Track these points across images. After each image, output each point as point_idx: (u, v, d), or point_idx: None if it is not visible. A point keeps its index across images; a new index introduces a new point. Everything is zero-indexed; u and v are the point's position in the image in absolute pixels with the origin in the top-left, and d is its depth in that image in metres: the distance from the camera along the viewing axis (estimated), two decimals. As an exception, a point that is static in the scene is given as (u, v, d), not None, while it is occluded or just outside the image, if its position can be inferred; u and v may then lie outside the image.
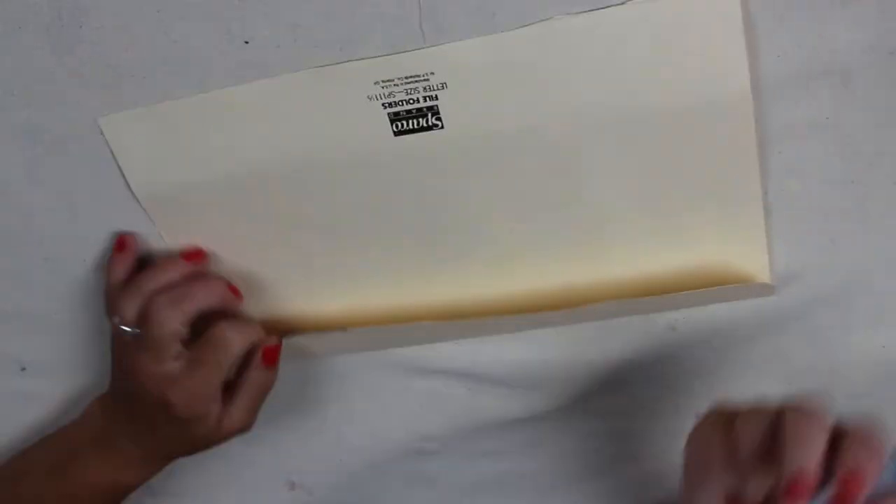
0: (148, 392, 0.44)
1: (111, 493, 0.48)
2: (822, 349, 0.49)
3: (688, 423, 0.54)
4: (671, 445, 0.55)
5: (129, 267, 0.46)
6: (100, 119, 0.41)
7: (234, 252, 0.47)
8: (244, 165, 0.43)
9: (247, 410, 0.46)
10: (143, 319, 0.43)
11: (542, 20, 0.37)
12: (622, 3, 0.37)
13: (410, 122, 0.41)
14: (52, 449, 0.48)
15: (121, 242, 0.46)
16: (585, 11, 0.37)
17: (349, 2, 0.38)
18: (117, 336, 0.45)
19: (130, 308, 0.44)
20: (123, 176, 0.44)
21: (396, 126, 0.41)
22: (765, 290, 0.46)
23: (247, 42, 0.39)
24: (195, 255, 0.46)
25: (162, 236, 0.46)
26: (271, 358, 0.46)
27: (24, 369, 0.53)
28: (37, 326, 0.51)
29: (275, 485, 0.59)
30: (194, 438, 0.46)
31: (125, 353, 0.45)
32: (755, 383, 0.51)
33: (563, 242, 0.46)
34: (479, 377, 0.53)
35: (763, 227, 0.44)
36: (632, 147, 0.41)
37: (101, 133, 0.42)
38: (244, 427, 0.47)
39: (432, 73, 0.39)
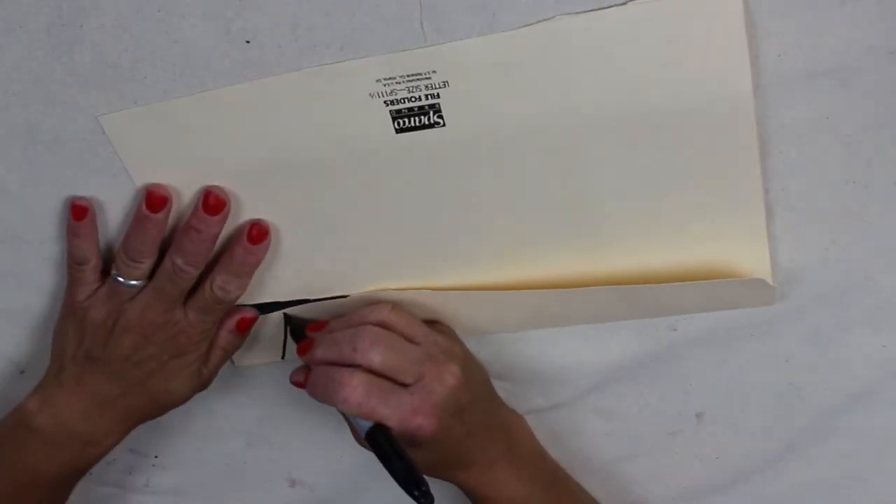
0: (151, 341, 0.46)
1: (68, 477, 0.48)
2: (822, 349, 0.49)
3: (688, 423, 0.54)
4: (671, 445, 0.55)
5: (95, 231, 0.46)
6: (101, 118, 0.41)
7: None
8: (246, 164, 0.43)
9: (212, 370, 0.49)
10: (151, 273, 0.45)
11: (544, 20, 0.37)
12: (623, 3, 0.37)
13: (412, 119, 0.41)
14: None
15: (79, 210, 0.45)
16: (587, 11, 0.37)
17: (350, 1, 0.38)
18: (112, 295, 0.45)
19: (141, 267, 0.44)
20: (127, 173, 0.44)
21: (398, 124, 0.41)
22: (765, 295, 0.46)
23: (248, 41, 0.39)
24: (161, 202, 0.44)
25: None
26: (245, 327, 0.49)
27: (23, 372, 0.53)
28: (37, 327, 0.51)
29: (276, 482, 0.59)
30: (174, 392, 0.48)
31: (123, 310, 0.45)
32: (755, 383, 0.51)
33: (564, 241, 0.46)
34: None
35: (764, 227, 0.44)
36: (633, 146, 0.41)
37: (103, 132, 0.42)
38: (208, 383, 0.50)
39: (434, 72, 0.39)
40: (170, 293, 0.45)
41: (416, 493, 0.41)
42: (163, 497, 0.59)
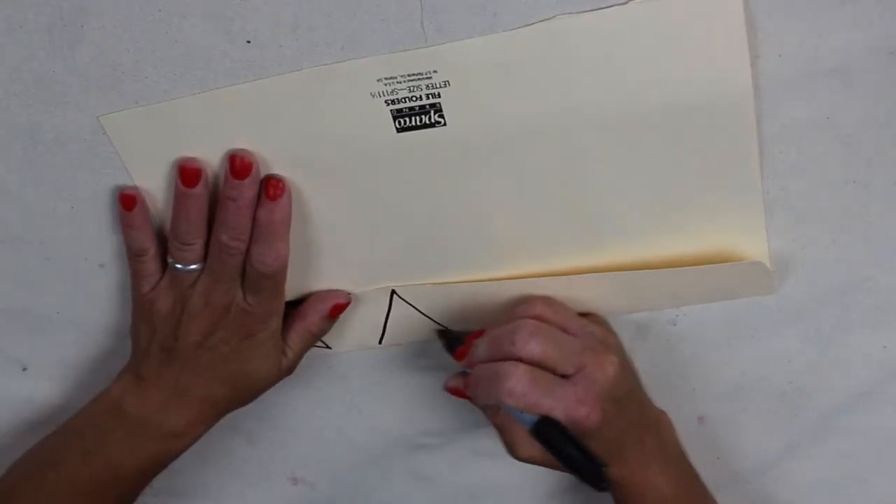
0: (220, 325, 0.45)
1: (148, 471, 0.48)
2: (822, 349, 0.49)
3: (689, 423, 0.54)
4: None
5: (148, 219, 0.45)
6: (101, 117, 0.41)
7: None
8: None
9: (298, 353, 0.48)
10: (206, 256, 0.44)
11: (544, 20, 0.37)
12: (624, 3, 0.37)
13: (413, 119, 0.41)
14: (80, 435, 0.47)
15: (129, 200, 0.44)
16: (587, 11, 0.37)
17: (350, 1, 0.38)
18: (174, 283, 0.45)
19: (194, 248, 0.44)
20: (127, 173, 0.44)
21: (399, 123, 0.41)
22: (765, 282, 0.46)
23: (248, 42, 0.39)
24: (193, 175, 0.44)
25: (163, 233, 0.46)
26: (336, 313, 0.48)
27: (25, 369, 0.53)
28: (37, 326, 0.51)
29: (277, 479, 0.59)
30: (253, 375, 0.47)
31: (187, 298, 0.45)
32: (756, 383, 0.51)
33: (565, 240, 0.46)
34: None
35: (764, 227, 0.44)
36: (633, 146, 0.42)
37: (103, 132, 0.42)
38: (293, 366, 0.49)
39: (435, 72, 0.39)
40: (224, 273, 0.44)
41: (601, 482, 0.40)
42: (164, 497, 0.59)
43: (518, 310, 0.45)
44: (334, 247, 0.47)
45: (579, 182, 0.43)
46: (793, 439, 0.53)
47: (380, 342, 0.52)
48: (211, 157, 0.43)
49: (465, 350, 0.46)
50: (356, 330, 0.51)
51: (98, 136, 0.42)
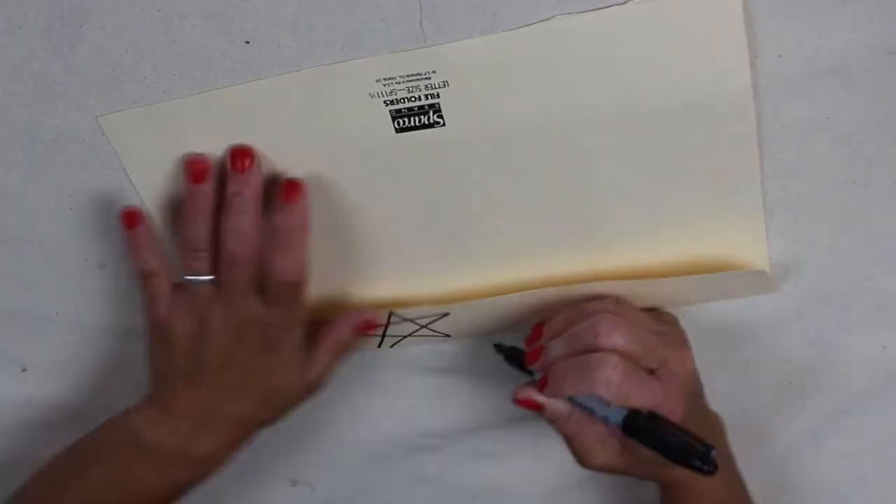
0: (241, 342, 0.43)
1: (174, 497, 0.46)
2: (822, 349, 0.49)
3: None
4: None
5: (154, 237, 0.44)
6: (101, 118, 0.41)
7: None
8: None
9: (326, 366, 0.47)
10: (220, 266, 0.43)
11: (544, 20, 0.37)
12: (623, 3, 0.37)
13: (412, 119, 0.41)
14: (100, 462, 0.45)
15: (131, 218, 0.43)
16: (587, 11, 0.37)
17: (350, 2, 0.38)
18: (190, 301, 0.43)
19: (205, 256, 0.43)
20: (126, 173, 0.44)
21: (398, 123, 0.41)
22: (765, 282, 0.46)
23: (247, 42, 0.39)
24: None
25: (163, 233, 0.46)
26: (366, 329, 0.48)
27: (24, 370, 0.53)
28: (37, 326, 0.51)
29: (277, 481, 0.59)
30: (280, 389, 0.45)
31: (206, 318, 0.43)
32: (755, 383, 0.51)
33: (564, 240, 0.46)
34: (481, 373, 0.53)
35: (763, 227, 0.44)
36: (633, 146, 0.42)
37: (103, 132, 0.42)
38: (321, 382, 0.47)
39: (434, 72, 0.39)
40: (237, 285, 0.42)
41: (710, 465, 0.39)
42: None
43: (589, 307, 0.44)
44: (332, 247, 0.47)
45: (579, 182, 0.43)
46: (793, 439, 0.53)
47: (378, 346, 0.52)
48: (210, 157, 0.43)
49: (535, 352, 0.45)
50: None
51: (97, 136, 0.42)
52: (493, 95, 0.40)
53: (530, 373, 0.46)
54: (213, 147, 0.42)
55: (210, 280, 0.43)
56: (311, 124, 0.41)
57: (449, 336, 0.51)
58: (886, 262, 0.46)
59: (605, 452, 0.44)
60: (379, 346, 0.51)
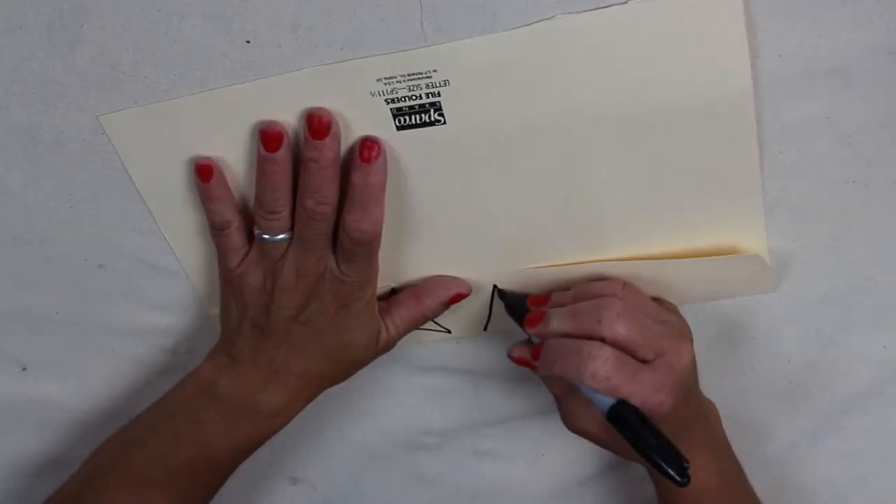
0: (313, 296, 0.43)
1: (243, 450, 0.47)
2: (822, 349, 0.49)
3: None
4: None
5: (228, 189, 0.44)
6: (101, 117, 0.41)
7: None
8: (246, 163, 0.43)
9: (401, 331, 0.47)
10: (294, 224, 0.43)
11: (544, 19, 0.37)
12: (624, 3, 0.37)
13: (413, 117, 0.41)
14: (170, 416, 0.46)
15: (205, 170, 0.42)
16: (587, 11, 0.37)
17: (350, 2, 0.38)
18: (263, 256, 0.43)
19: (281, 217, 0.42)
20: (126, 173, 0.44)
21: (399, 121, 0.41)
22: (765, 280, 0.46)
23: (248, 42, 0.39)
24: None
25: (162, 233, 0.46)
26: (455, 302, 0.47)
27: (24, 369, 0.53)
28: (37, 326, 0.51)
29: (278, 479, 0.59)
30: (350, 347, 0.45)
31: (278, 270, 0.43)
32: (755, 383, 0.51)
33: (564, 239, 0.46)
34: (482, 372, 0.53)
35: (764, 227, 0.44)
36: (633, 145, 0.42)
37: (103, 132, 0.42)
38: (390, 345, 0.47)
39: (435, 71, 0.39)
40: (314, 241, 0.42)
41: (678, 468, 0.39)
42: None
43: (596, 287, 0.44)
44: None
45: (579, 181, 0.43)
46: (793, 439, 0.53)
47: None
48: (210, 157, 0.43)
49: (536, 318, 0.44)
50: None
51: (98, 136, 0.42)
52: (493, 94, 0.40)
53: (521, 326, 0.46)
54: (214, 146, 0.42)
55: (286, 237, 0.43)
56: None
57: (450, 331, 0.51)
58: (886, 262, 0.46)
59: (588, 421, 0.44)
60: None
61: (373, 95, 0.40)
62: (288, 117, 0.41)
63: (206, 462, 0.46)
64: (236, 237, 0.44)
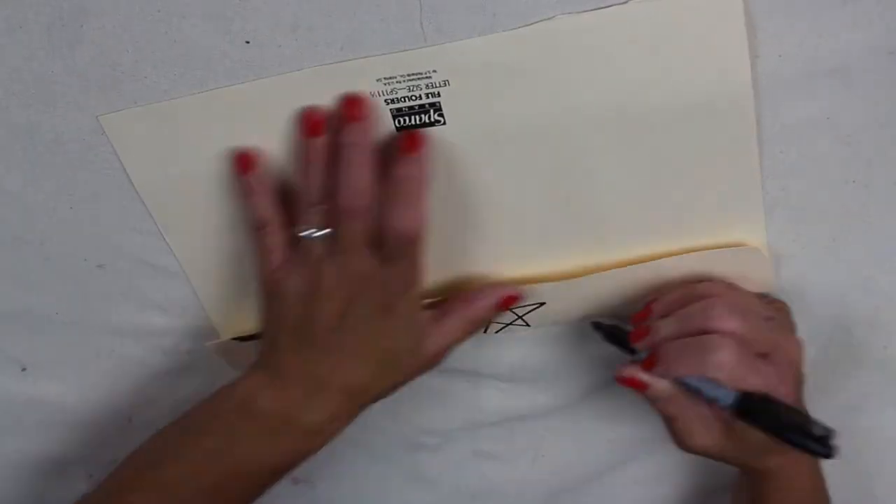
0: (356, 302, 0.41)
1: (280, 470, 0.44)
2: (822, 349, 0.49)
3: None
4: (672, 446, 0.55)
5: (268, 184, 0.42)
6: (101, 117, 0.41)
7: (235, 249, 0.47)
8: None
9: (450, 340, 0.44)
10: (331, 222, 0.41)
11: (544, 19, 0.37)
12: (624, 2, 0.37)
13: (413, 118, 0.41)
14: (204, 432, 0.43)
15: (245, 162, 0.41)
16: (587, 11, 0.37)
17: (350, 2, 0.38)
18: (304, 256, 0.41)
19: (322, 209, 0.41)
20: (126, 173, 0.44)
21: (399, 122, 0.41)
22: (765, 276, 0.46)
23: (247, 42, 0.39)
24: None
25: (162, 233, 0.46)
26: (508, 305, 0.45)
27: (24, 369, 0.53)
28: (37, 326, 0.51)
29: (277, 481, 0.59)
30: (395, 354, 0.43)
31: (320, 275, 0.41)
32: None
33: (564, 239, 0.46)
34: (481, 372, 0.53)
35: (764, 227, 0.44)
36: (633, 145, 0.42)
37: (103, 132, 0.42)
38: (441, 355, 0.44)
39: (434, 71, 0.39)
40: (353, 240, 0.40)
41: (829, 448, 0.38)
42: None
43: (701, 288, 0.44)
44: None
45: (578, 182, 0.43)
46: (793, 439, 0.53)
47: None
48: (210, 157, 0.43)
49: (643, 331, 0.43)
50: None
51: (98, 136, 0.42)
52: (493, 95, 0.40)
53: (632, 351, 0.45)
54: (214, 146, 0.42)
55: (326, 234, 0.41)
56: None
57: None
58: (886, 262, 0.46)
59: (708, 434, 0.43)
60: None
61: (373, 96, 0.40)
62: (288, 117, 0.41)
63: (241, 480, 0.43)
64: (276, 236, 0.42)
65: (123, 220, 0.46)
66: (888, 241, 0.45)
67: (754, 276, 0.46)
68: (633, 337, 0.44)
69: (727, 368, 0.39)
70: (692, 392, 0.42)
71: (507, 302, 0.45)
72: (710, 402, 0.42)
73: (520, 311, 0.49)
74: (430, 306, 0.45)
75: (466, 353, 0.53)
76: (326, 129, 0.39)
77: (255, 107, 0.41)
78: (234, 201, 0.45)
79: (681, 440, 0.44)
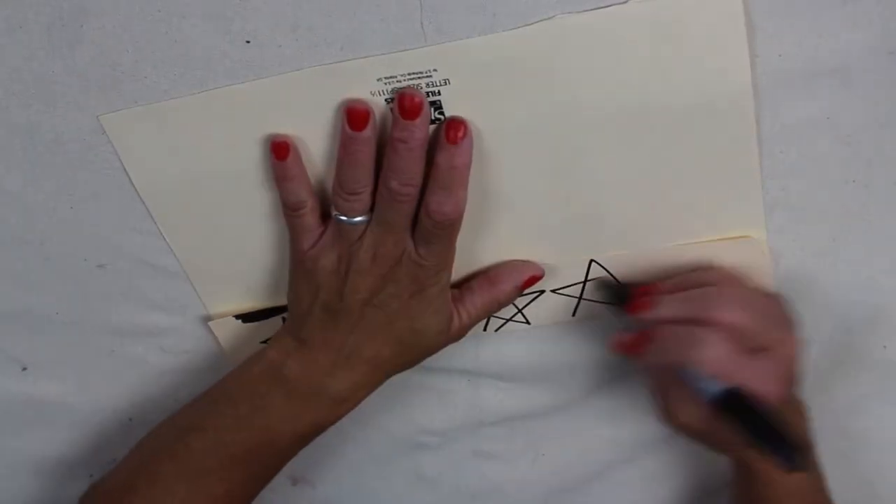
0: (389, 280, 0.42)
1: (307, 435, 0.46)
2: (822, 349, 0.49)
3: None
4: (672, 446, 0.55)
5: (304, 169, 0.43)
6: (101, 117, 0.41)
7: (234, 249, 0.47)
8: (246, 163, 0.43)
9: (475, 318, 0.46)
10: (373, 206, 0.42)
11: (544, 19, 0.37)
12: (624, 2, 0.37)
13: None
14: (232, 400, 0.45)
15: (281, 148, 0.42)
16: (587, 10, 0.37)
17: (350, 2, 0.38)
18: (339, 238, 0.42)
19: (361, 199, 0.41)
20: (126, 173, 0.44)
21: None
22: (763, 268, 0.46)
23: (248, 42, 0.39)
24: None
25: (162, 233, 0.46)
26: (530, 285, 0.47)
27: (24, 369, 0.53)
28: (37, 326, 0.51)
29: (277, 479, 0.59)
30: (422, 333, 0.44)
31: (354, 253, 0.42)
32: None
33: (564, 237, 0.46)
34: (481, 371, 0.53)
35: (764, 227, 0.44)
36: (633, 145, 0.42)
37: (103, 132, 0.42)
38: (463, 333, 0.46)
39: (435, 70, 0.39)
40: (395, 223, 0.41)
41: (795, 461, 0.38)
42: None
43: (704, 276, 0.44)
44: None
45: (578, 181, 0.43)
46: (793, 439, 0.53)
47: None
48: (210, 157, 0.43)
49: (642, 304, 0.44)
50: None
51: (98, 136, 0.42)
52: (494, 93, 0.40)
53: (623, 312, 0.45)
54: (214, 146, 0.42)
55: (364, 221, 0.42)
56: (312, 123, 0.41)
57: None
58: (886, 262, 0.46)
59: (692, 413, 0.43)
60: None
61: (373, 95, 0.40)
62: (288, 117, 0.41)
63: (269, 447, 0.45)
64: (310, 218, 0.43)
65: (123, 220, 0.46)
66: (888, 241, 0.45)
67: (754, 269, 0.46)
68: (633, 307, 0.44)
69: (715, 365, 0.40)
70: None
71: (530, 281, 0.46)
72: (697, 390, 0.42)
73: (519, 304, 0.49)
74: (454, 285, 0.46)
75: (466, 353, 0.53)
76: (371, 122, 0.40)
77: (255, 107, 0.41)
78: (234, 199, 0.45)
79: (663, 414, 0.44)
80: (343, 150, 0.41)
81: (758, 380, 0.40)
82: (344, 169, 0.41)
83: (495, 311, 0.47)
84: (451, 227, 0.42)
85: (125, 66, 0.40)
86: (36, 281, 0.49)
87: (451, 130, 0.40)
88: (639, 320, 0.44)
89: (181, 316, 0.51)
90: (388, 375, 0.46)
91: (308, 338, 0.44)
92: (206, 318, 0.50)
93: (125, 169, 0.44)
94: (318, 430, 0.46)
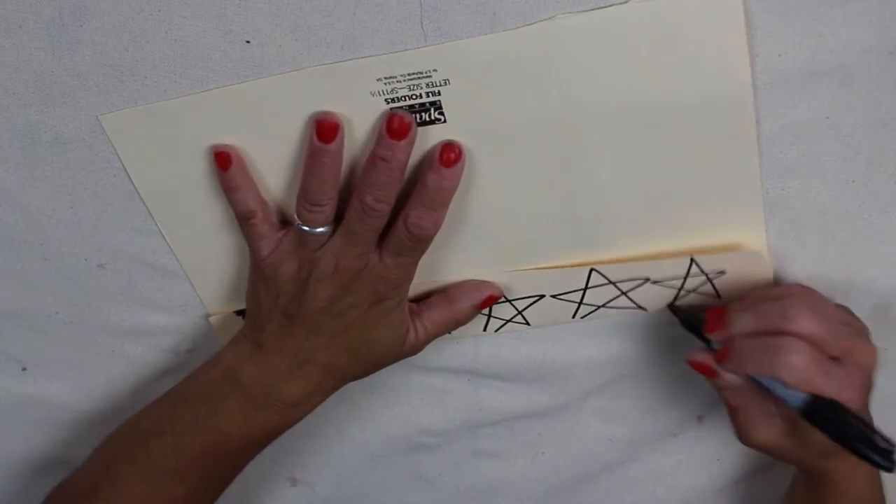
0: (349, 290, 0.43)
1: (259, 440, 0.46)
2: (822, 349, 0.49)
3: (689, 423, 0.54)
4: (672, 446, 0.55)
5: (249, 178, 0.43)
6: (101, 117, 0.41)
7: (235, 249, 0.47)
8: (250, 160, 0.43)
9: (431, 335, 0.47)
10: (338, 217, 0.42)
11: (544, 19, 0.37)
12: (624, 2, 0.37)
13: (413, 116, 0.41)
14: (188, 404, 0.46)
15: (223, 159, 0.42)
16: (587, 10, 0.37)
17: (350, 2, 0.38)
18: (300, 246, 0.42)
19: (325, 210, 0.42)
20: (126, 173, 0.44)
21: None
22: (764, 276, 0.46)
23: (248, 41, 0.39)
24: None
25: (162, 233, 0.46)
26: (488, 304, 0.47)
27: (24, 369, 0.53)
28: (37, 326, 0.51)
29: (277, 480, 0.59)
30: (377, 343, 0.45)
31: (315, 261, 0.42)
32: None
33: (563, 238, 0.46)
34: (480, 371, 0.53)
35: (764, 227, 0.44)
36: (633, 145, 0.42)
37: (103, 132, 0.42)
38: (418, 348, 0.47)
39: (435, 70, 0.39)
40: (362, 236, 0.41)
41: (889, 458, 0.38)
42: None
43: (776, 290, 0.44)
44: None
45: (579, 181, 0.43)
46: (793, 439, 0.53)
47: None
48: (210, 157, 0.43)
49: (718, 322, 0.44)
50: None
51: (98, 136, 0.42)
52: (493, 94, 0.40)
53: (706, 340, 0.45)
54: (214, 146, 0.42)
55: (326, 231, 0.42)
56: (312, 123, 0.41)
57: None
58: (886, 261, 0.46)
59: (770, 430, 0.43)
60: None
61: (373, 95, 0.40)
62: (288, 117, 0.41)
63: (222, 451, 0.45)
64: (263, 226, 0.43)
65: (123, 220, 0.46)
66: (888, 240, 0.45)
67: (753, 269, 0.46)
68: (708, 328, 0.44)
69: (798, 372, 0.40)
70: (761, 387, 0.42)
71: (488, 301, 0.47)
72: (780, 401, 0.42)
73: (519, 306, 0.49)
74: (413, 300, 0.47)
75: (466, 353, 0.53)
76: (339, 136, 0.40)
77: (255, 107, 0.41)
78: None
79: (742, 433, 0.45)
80: (310, 162, 0.41)
81: (839, 386, 0.40)
82: (309, 180, 0.41)
83: (453, 329, 0.48)
84: (423, 243, 0.43)
85: (125, 66, 0.40)
86: (36, 281, 0.49)
87: (446, 153, 0.41)
88: (718, 337, 0.44)
89: (181, 316, 0.51)
90: (343, 383, 0.47)
91: (265, 342, 0.44)
92: (207, 318, 0.50)
93: (125, 169, 0.44)
94: (270, 435, 0.47)
